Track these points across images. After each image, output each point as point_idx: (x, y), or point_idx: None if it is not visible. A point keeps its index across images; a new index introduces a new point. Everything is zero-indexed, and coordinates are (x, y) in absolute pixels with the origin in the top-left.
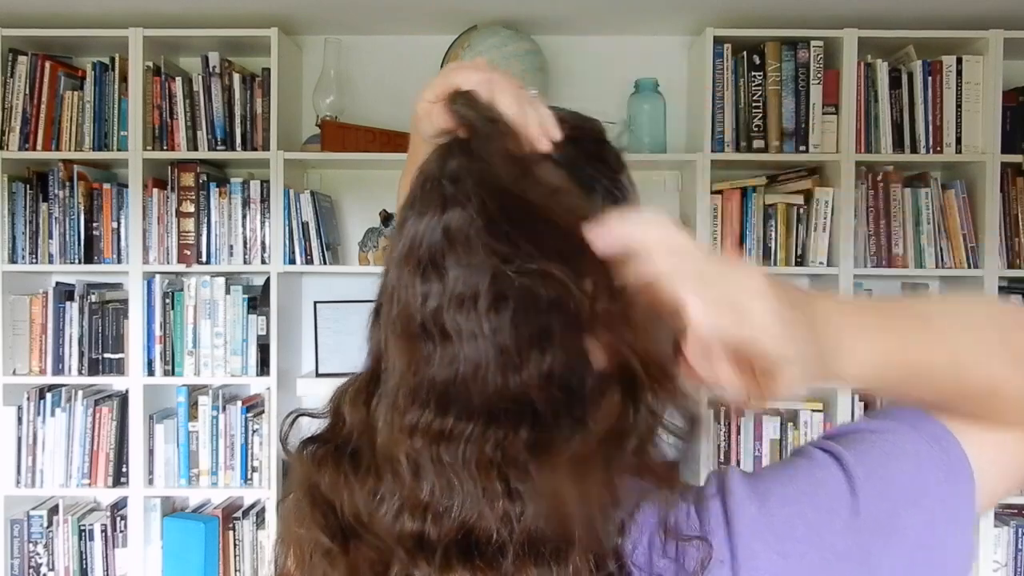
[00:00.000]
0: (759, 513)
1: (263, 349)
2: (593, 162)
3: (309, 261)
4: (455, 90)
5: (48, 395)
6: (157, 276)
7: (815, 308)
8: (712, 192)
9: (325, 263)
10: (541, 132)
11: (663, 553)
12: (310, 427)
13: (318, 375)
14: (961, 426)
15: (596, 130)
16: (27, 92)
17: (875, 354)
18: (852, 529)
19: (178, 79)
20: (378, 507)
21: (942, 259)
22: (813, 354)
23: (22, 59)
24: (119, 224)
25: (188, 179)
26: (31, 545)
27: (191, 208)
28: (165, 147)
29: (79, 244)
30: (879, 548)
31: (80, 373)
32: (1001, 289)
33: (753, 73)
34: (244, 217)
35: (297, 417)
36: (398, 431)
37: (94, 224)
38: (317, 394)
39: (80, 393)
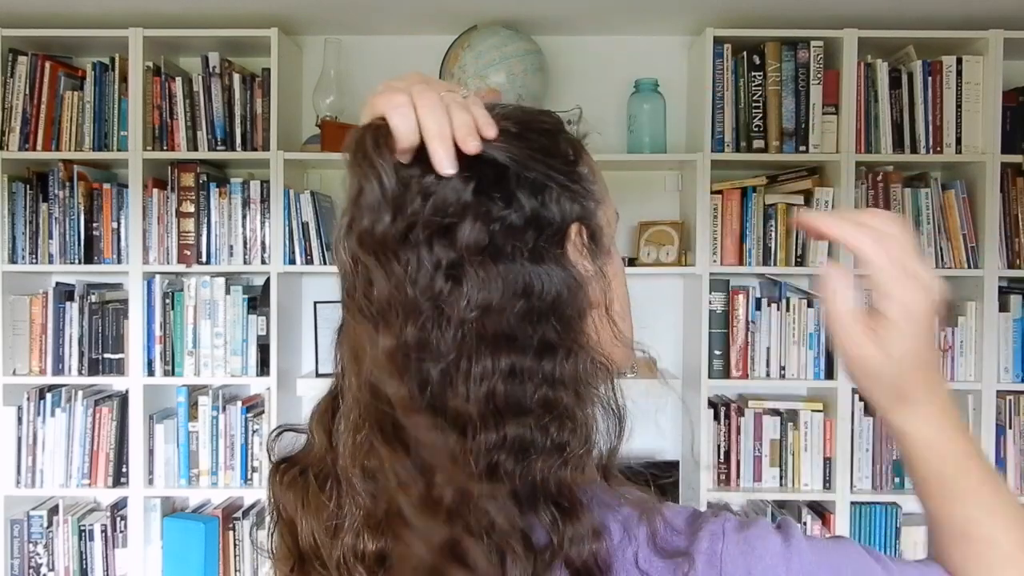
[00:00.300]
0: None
1: (263, 349)
2: (544, 157)
3: (309, 261)
4: (375, 122)
5: (48, 395)
6: (157, 276)
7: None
8: (712, 192)
9: (325, 263)
10: (467, 134)
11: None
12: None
13: (318, 375)
14: None
15: (547, 122)
16: (27, 92)
17: (934, 444)
18: None
19: (178, 79)
20: (339, 528)
21: (942, 259)
22: (914, 369)
23: (22, 59)
24: (119, 224)
25: (188, 179)
26: (31, 545)
27: (191, 208)
28: (165, 147)
29: (79, 244)
30: None
31: (80, 373)
32: (1001, 289)
33: (753, 73)
34: (244, 217)
35: (281, 432)
36: (355, 449)
37: (94, 224)
38: (317, 394)
39: (80, 393)
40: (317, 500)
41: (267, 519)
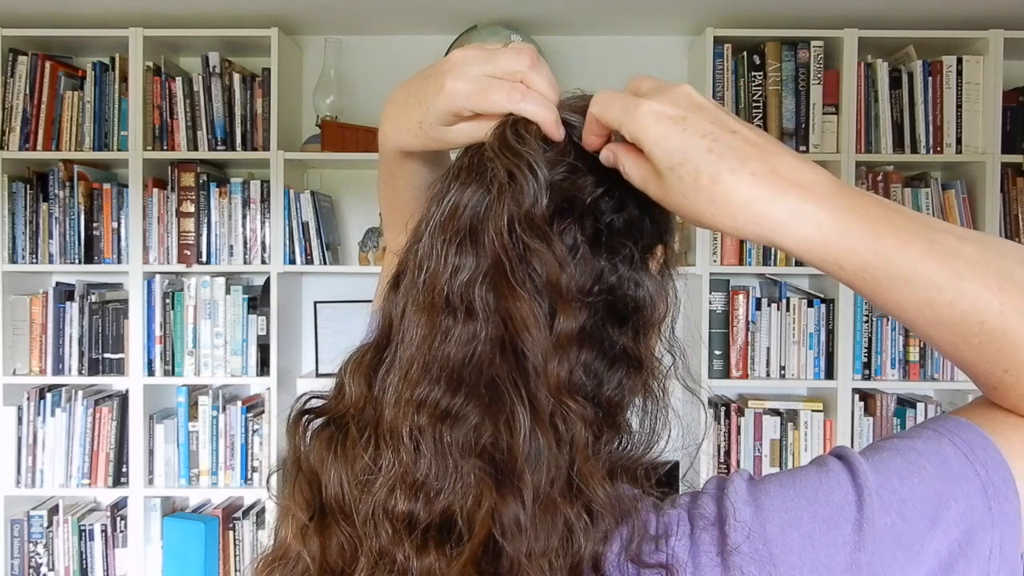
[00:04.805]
0: (754, 518)
1: (263, 349)
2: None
3: (309, 261)
4: (511, 118)
5: (48, 395)
6: (157, 276)
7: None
8: None
9: (325, 263)
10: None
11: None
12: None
13: (318, 375)
14: (1010, 435)
15: None
16: (27, 92)
17: (836, 229)
18: (854, 545)
19: (178, 79)
20: (371, 482)
21: None
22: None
23: (22, 59)
24: (119, 224)
25: (188, 179)
26: (31, 545)
27: (191, 208)
28: (165, 147)
29: (79, 244)
30: (886, 569)
31: (80, 373)
32: None
33: (753, 73)
34: (244, 217)
35: (309, 399)
36: (405, 404)
37: (94, 224)
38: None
39: (80, 393)
40: (352, 451)
41: (280, 478)
